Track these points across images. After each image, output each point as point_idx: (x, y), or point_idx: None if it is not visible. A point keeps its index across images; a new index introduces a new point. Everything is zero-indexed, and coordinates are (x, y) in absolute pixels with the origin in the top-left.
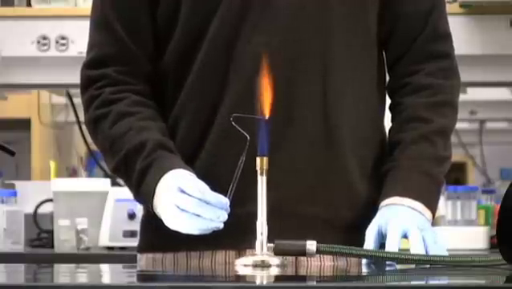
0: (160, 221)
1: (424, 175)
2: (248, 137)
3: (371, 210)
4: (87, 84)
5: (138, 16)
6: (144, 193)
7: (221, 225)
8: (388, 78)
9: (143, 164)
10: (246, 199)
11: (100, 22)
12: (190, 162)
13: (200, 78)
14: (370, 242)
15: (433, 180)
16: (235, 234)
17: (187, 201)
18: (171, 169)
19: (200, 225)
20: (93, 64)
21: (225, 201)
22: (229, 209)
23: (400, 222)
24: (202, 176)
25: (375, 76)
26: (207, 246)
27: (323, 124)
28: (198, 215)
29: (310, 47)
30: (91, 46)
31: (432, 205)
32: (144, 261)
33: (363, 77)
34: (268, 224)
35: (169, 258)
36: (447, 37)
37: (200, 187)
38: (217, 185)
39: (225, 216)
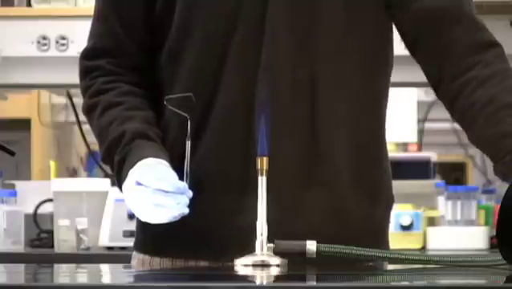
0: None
1: None
2: (188, 117)
3: (364, 230)
4: (84, 73)
5: (135, 12)
6: (121, 187)
7: (186, 210)
8: (432, 85)
9: (118, 157)
10: (246, 210)
11: (99, 16)
12: (183, 162)
13: (192, 79)
14: None
15: None
16: (237, 246)
17: (142, 192)
18: (140, 160)
19: (163, 213)
20: (89, 55)
21: (181, 185)
22: (190, 193)
23: None
24: (195, 177)
25: (369, 95)
26: (202, 255)
27: (312, 147)
28: (159, 205)
29: (297, 75)
30: (90, 36)
31: None
32: (135, 261)
33: (356, 98)
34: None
35: (156, 262)
36: (483, 25)
37: (156, 176)
38: (210, 185)
39: (185, 200)
